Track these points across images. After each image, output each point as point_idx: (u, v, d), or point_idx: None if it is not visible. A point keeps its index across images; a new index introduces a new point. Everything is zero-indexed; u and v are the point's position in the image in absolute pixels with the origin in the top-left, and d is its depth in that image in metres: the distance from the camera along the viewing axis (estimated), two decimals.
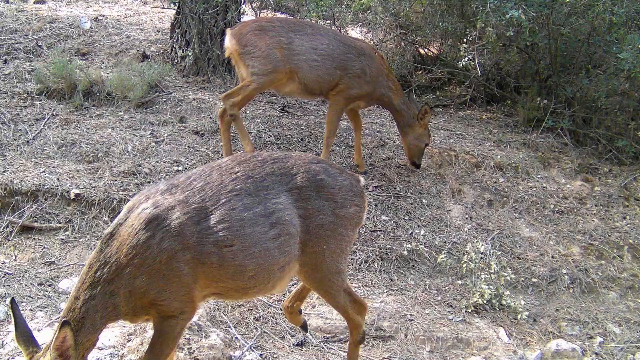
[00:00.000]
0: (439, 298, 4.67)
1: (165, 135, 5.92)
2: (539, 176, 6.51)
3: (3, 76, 6.65)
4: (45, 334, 3.64)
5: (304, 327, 3.64)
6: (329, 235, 2.93)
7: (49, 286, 4.17)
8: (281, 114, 6.82)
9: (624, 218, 6.00)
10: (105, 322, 2.67)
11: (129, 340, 3.54)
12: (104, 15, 8.61)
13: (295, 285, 3.99)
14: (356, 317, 3.25)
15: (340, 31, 8.82)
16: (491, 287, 4.62)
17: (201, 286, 2.73)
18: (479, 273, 4.75)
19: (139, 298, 2.64)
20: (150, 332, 3.56)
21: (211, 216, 2.65)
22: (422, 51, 8.82)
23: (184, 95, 6.77)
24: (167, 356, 2.82)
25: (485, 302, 4.56)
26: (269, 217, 2.73)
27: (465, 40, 7.00)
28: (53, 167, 5.20)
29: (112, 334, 3.65)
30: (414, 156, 5.93)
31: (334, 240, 2.95)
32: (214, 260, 2.67)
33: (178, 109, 6.51)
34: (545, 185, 6.34)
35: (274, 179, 2.83)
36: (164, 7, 9.28)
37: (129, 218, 2.66)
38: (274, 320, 4.07)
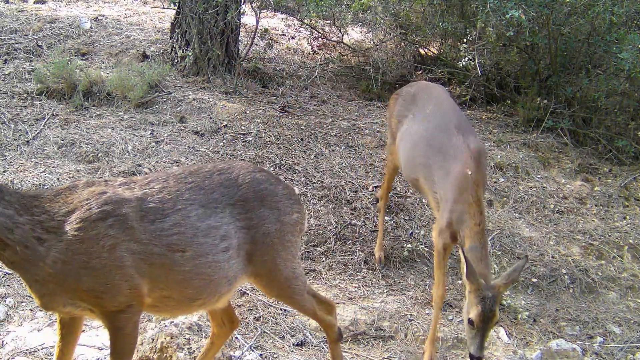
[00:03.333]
0: None
1: (165, 135, 5.92)
2: (539, 176, 6.51)
3: (3, 76, 6.65)
4: (45, 333, 3.65)
5: None
6: (277, 242, 2.95)
7: None
8: (281, 114, 6.81)
9: (624, 218, 6.00)
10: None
11: None
12: (104, 15, 8.61)
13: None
14: (326, 317, 3.27)
15: (340, 32, 8.84)
16: None
17: (147, 289, 2.65)
18: None
19: (72, 280, 2.48)
20: (150, 332, 3.56)
21: (167, 219, 2.65)
22: (422, 51, 8.82)
23: (184, 95, 6.77)
24: (131, 353, 2.75)
25: None
26: (218, 230, 2.75)
27: (465, 40, 7.01)
28: (53, 167, 5.20)
29: None
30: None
31: (282, 247, 2.97)
32: (165, 263, 2.62)
33: (178, 109, 6.51)
34: (545, 185, 6.34)
35: (222, 191, 2.84)
36: (164, 7, 9.28)
37: (84, 191, 2.57)
38: (274, 320, 4.07)
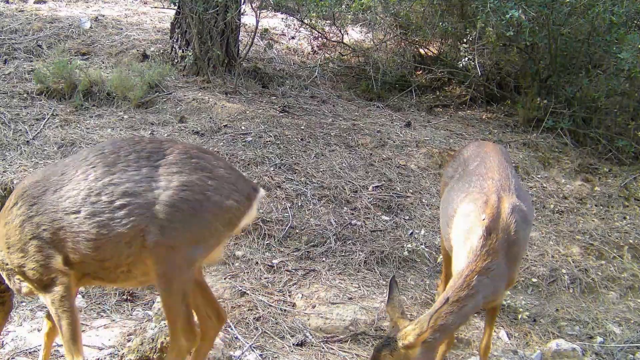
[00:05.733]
0: None
1: (165, 135, 5.92)
2: (539, 176, 6.51)
3: (3, 76, 6.65)
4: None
5: None
6: (192, 214, 2.67)
7: None
8: (281, 114, 6.81)
9: (624, 218, 6.00)
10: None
11: (128, 340, 3.54)
12: (104, 15, 8.62)
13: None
14: (180, 339, 2.81)
15: (340, 32, 8.85)
16: None
17: (62, 258, 2.73)
18: None
19: (7, 260, 2.80)
20: (150, 332, 3.56)
21: (65, 186, 2.72)
22: (422, 51, 8.83)
23: (184, 95, 6.77)
24: (73, 333, 2.79)
25: None
26: (118, 187, 2.65)
27: (465, 40, 7.01)
28: None
29: (112, 333, 3.66)
30: None
31: (197, 222, 2.69)
32: (63, 226, 2.68)
33: (178, 109, 6.51)
34: (545, 185, 6.34)
35: (141, 154, 2.74)
36: (164, 7, 9.28)
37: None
38: (274, 320, 4.07)
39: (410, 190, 5.81)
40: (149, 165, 2.70)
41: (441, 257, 4.53)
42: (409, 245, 5.05)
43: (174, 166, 2.71)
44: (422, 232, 5.23)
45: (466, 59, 6.85)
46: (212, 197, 2.72)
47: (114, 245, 2.67)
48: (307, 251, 4.86)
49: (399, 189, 5.81)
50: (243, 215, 2.85)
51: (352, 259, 4.86)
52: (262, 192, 2.97)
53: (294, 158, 5.94)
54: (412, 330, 2.87)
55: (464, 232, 3.26)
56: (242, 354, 3.66)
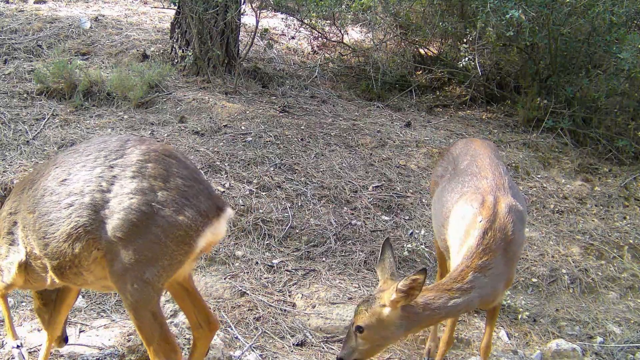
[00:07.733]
0: None
1: (165, 135, 5.92)
2: (539, 176, 6.51)
3: (3, 76, 6.65)
4: (45, 333, 3.64)
5: None
6: (139, 227, 2.46)
7: None
8: (281, 114, 6.81)
9: (624, 218, 6.00)
10: None
11: (128, 341, 3.54)
12: (104, 15, 8.62)
13: None
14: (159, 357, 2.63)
15: (340, 32, 8.85)
16: None
17: (27, 252, 2.76)
18: None
19: None
20: None
21: (34, 185, 2.72)
22: (422, 51, 8.83)
23: (184, 95, 6.77)
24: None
25: None
26: (67, 187, 2.57)
27: (465, 40, 7.01)
28: None
29: (112, 333, 3.66)
30: None
31: (142, 236, 2.47)
32: (26, 225, 2.69)
33: (178, 109, 6.51)
34: (545, 185, 6.34)
35: (101, 154, 2.61)
36: (164, 7, 9.29)
37: None
38: (274, 320, 4.07)
39: (410, 190, 5.81)
40: (103, 165, 2.56)
41: None
42: (409, 245, 5.06)
43: (129, 169, 2.54)
44: (422, 232, 5.23)
45: (466, 59, 6.85)
46: (160, 211, 2.48)
47: (58, 244, 2.57)
48: (307, 251, 4.86)
49: (399, 189, 5.81)
50: (199, 235, 2.56)
51: (352, 259, 4.86)
52: (229, 211, 2.69)
53: (294, 158, 5.94)
54: (388, 292, 2.99)
55: (461, 235, 3.26)
56: (242, 354, 3.66)
